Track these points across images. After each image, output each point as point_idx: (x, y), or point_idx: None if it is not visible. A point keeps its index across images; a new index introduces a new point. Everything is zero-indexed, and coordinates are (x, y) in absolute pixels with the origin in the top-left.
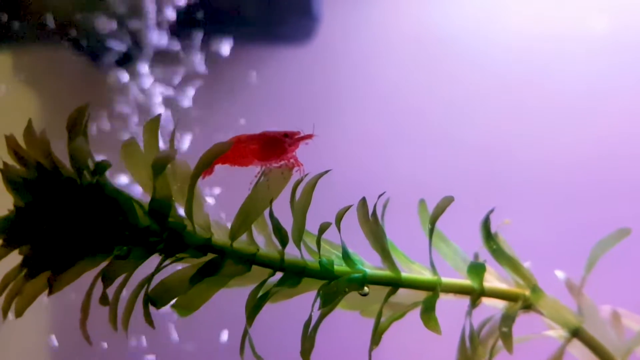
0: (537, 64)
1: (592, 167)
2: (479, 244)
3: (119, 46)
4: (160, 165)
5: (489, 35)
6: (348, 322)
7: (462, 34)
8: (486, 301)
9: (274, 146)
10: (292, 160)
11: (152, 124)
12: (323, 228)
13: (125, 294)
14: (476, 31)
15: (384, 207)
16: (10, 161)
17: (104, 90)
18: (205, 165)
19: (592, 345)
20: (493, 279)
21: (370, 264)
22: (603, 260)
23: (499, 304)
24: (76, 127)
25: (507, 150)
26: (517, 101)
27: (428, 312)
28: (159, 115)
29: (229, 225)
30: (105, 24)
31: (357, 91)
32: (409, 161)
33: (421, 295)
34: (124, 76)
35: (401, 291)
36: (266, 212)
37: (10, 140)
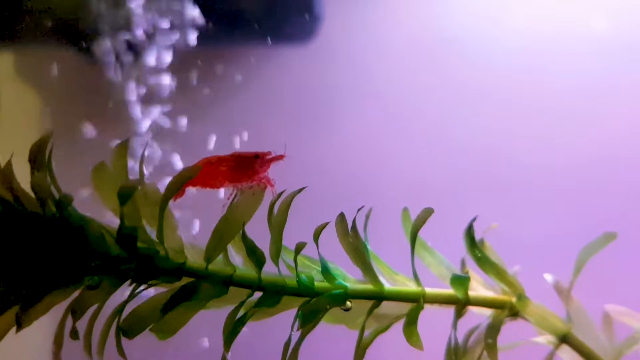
0: (538, 64)
1: (590, 169)
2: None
3: (119, 45)
4: (126, 194)
5: (490, 35)
6: (335, 334)
7: (464, 34)
8: (473, 308)
9: (245, 167)
10: (263, 181)
11: (121, 149)
12: (299, 248)
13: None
14: (478, 31)
15: (367, 217)
16: None
17: (105, 90)
18: (174, 191)
19: (581, 350)
20: (479, 286)
21: (353, 277)
22: (598, 260)
23: (487, 311)
24: (38, 159)
25: (508, 151)
26: (517, 102)
27: (410, 326)
28: (127, 139)
29: (204, 246)
30: (105, 24)
31: (359, 90)
32: (409, 160)
33: (406, 306)
34: (125, 75)
35: (385, 303)
36: None
37: None
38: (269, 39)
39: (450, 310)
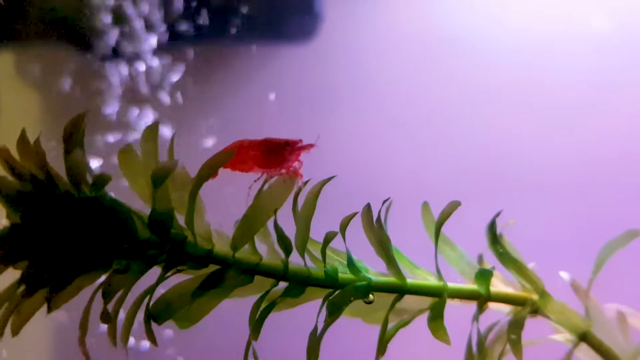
0: (539, 63)
1: (595, 167)
2: (482, 245)
3: (119, 43)
4: (160, 177)
5: (491, 34)
6: (348, 328)
7: (464, 33)
8: (491, 305)
9: (275, 154)
10: (291, 169)
11: (151, 132)
12: (329, 238)
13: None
14: (478, 30)
15: (387, 210)
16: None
17: (106, 90)
18: (208, 175)
19: (600, 349)
20: (498, 283)
21: (373, 269)
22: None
23: (504, 308)
24: (72, 138)
25: (510, 150)
26: (520, 100)
27: (436, 320)
28: (157, 122)
29: (230, 234)
30: (106, 22)
31: (359, 90)
32: (410, 160)
33: (427, 301)
34: (126, 74)
35: (406, 298)
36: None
37: (2, 152)
38: (269, 37)
39: (459, 307)
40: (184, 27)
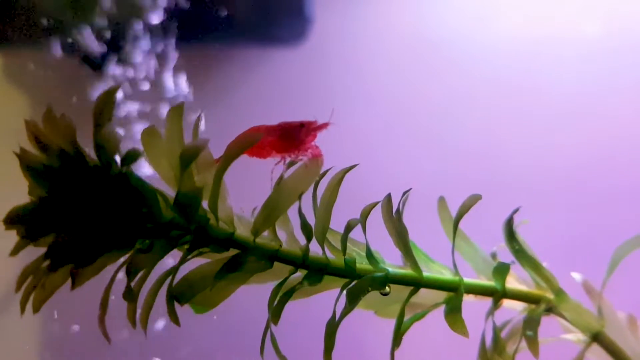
0: (530, 68)
1: (589, 169)
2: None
3: (107, 48)
4: (190, 157)
5: (481, 38)
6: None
7: (455, 37)
8: (504, 302)
9: (291, 137)
10: (310, 151)
11: (176, 112)
12: (350, 226)
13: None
14: (469, 34)
15: (404, 203)
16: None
17: (95, 93)
18: (234, 157)
19: (612, 350)
20: (512, 280)
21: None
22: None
23: (515, 306)
24: (104, 112)
25: (501, 153)
26: (508, 105)
27: (454, 313)
28: (183, 102)
29: (251, 219)
30: (97, 25)
31: (350, 93)
32: (401, 164)
33: (441, 295)
34: (116, 78)
35: (421, 291)
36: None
37: (31, 125)
38: (259, 41)
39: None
40: (173, 31)
